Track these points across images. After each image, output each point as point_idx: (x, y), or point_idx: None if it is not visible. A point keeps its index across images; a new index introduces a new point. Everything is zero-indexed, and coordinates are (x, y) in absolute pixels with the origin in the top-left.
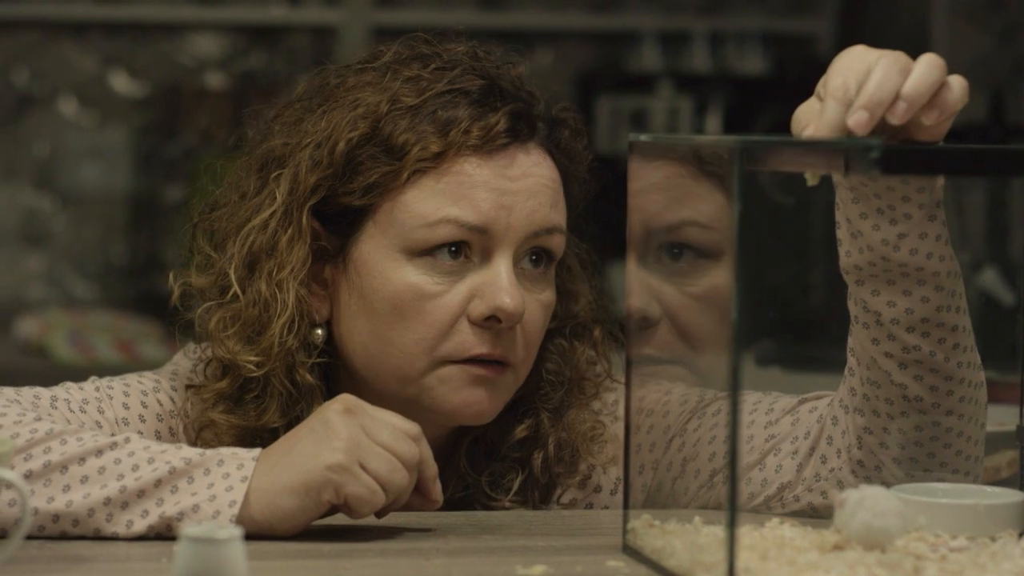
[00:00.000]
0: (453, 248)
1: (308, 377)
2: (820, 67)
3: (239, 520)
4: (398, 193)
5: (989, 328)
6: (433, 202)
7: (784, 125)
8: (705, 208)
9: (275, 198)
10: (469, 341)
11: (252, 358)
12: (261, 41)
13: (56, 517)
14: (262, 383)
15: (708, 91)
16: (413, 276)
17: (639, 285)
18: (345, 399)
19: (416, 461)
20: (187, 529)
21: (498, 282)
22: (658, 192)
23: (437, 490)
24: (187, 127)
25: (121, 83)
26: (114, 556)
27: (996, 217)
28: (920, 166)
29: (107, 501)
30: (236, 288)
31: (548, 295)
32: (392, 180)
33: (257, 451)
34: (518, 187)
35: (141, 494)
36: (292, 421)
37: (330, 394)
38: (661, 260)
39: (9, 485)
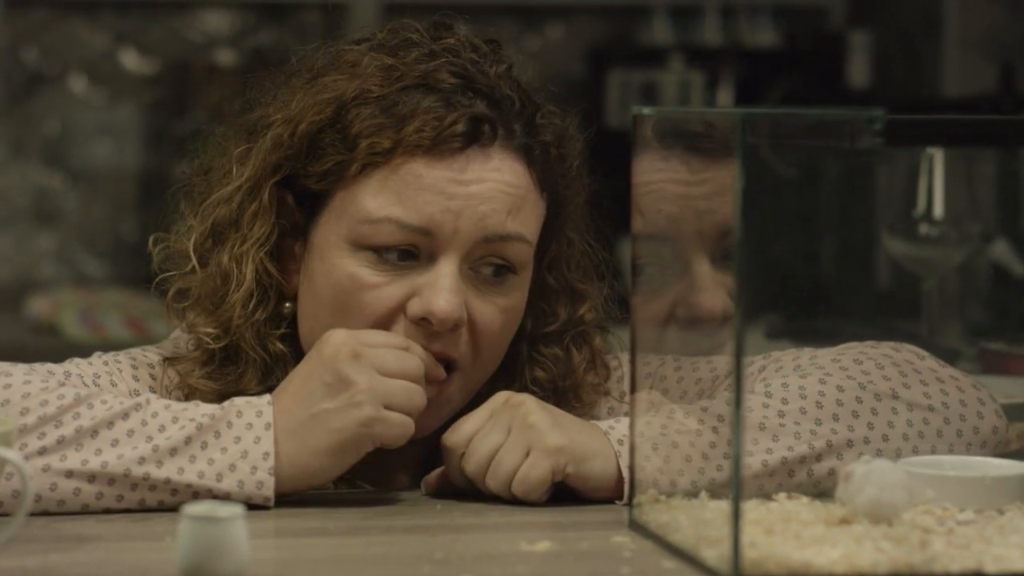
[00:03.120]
0: (400, 248)
1: (279, 345)
2: (831, 39)
3: (276, 473)
4: (350, 184)
5: (1000, 300)
6: (380, 199)
7: (796, 98)
8: None
9: (242, 172)
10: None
11: (210, 329)
12: (271, 17)
13: (92, 477)
14: (232, 352)
15: (719, 64)
16: (355, 267)
17: (718, 284)
18: (341, 342)
19: (422, 370)
20: (188, 508)
21: (437, 284)
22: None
23: (439, 372)
24: (197, 104)
25: (131, 60)
26: (118, 535)
27: (1007, 188)
28: (923, 137)
29: (141, 460)
30: (194, 261)
31: (509, 301)
32: (344, 170)
33: (268, 397)
34: (470, 191)
35: (173, 452)
36: (269, 388)
37: (298, 361)
38: (730, 259)
39: (13, 473)
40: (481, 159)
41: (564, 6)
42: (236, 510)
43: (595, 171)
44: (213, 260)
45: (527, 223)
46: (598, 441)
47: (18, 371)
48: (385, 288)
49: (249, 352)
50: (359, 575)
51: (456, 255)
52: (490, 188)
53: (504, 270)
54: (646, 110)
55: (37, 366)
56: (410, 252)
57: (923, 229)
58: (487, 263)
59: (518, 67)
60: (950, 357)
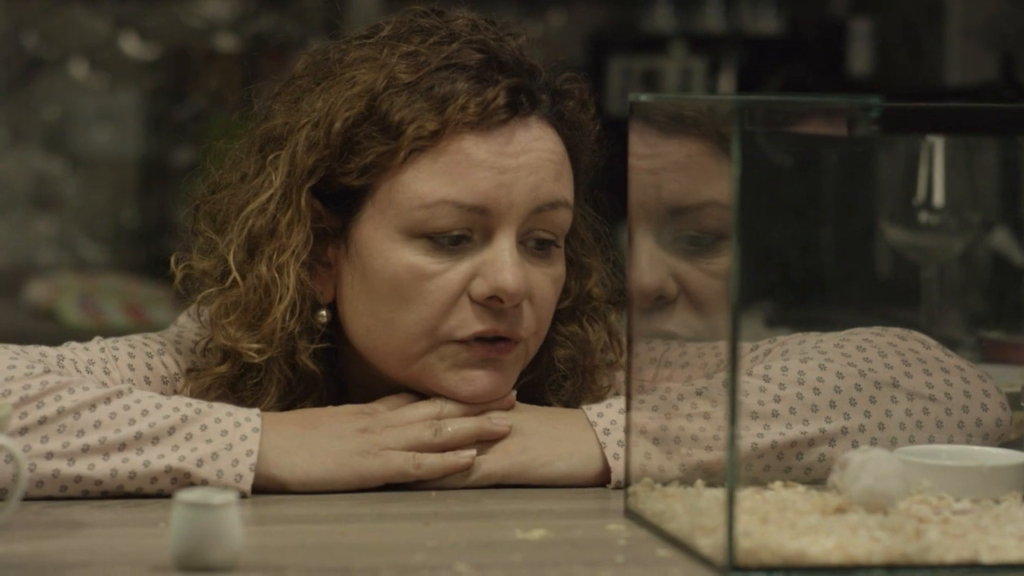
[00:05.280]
0: (454, 233)
1: (309, 364)
2: (833, 27)
3: (256, 469)
4: (396, 173)
5: (1000, 289)
6: (431, 182)
7: (798, 85)
8: (726, 188)
9: (273, 180)
10: (470, 319)
11: (253, 345)
12: (271, 3)
13: (72, 460)
14: (262, 369)
15: (721, 51)
16: (412, 257)
17: (654, 263)
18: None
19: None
20: (182, 494)
21: (499, 261)
22: (680, 171)
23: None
24: (198, 89)
25: (132, 46)
26: (112, 521)
27: (1007, 176)
28: (920, 125)
29: (122, 445)
30: (235, 274)
31: (556, 270)
32: (389, 160)
33: (256, 410)
34: (519, 163)
35: (156, 440)
36: (288, 407)
37: (335, 378)
38: (679, 239)
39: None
40: (523, 130)
41: None
42: (230, 497)
43: (598, 142)
44: (251, 273)
45: (568, 188)
46: (570, 442)
47: (6, 353)
48: (446, 274)
49: (275, 371)
50: (353, 562)
51: (511, 229)
52: (536, 158)
53: (547, 243)
54: (643, 96)
55: (30, 348)
56: (464, 235)
57: (923, 217)
58: (532, 237)
59: (527, 37)
60: (949, 346)
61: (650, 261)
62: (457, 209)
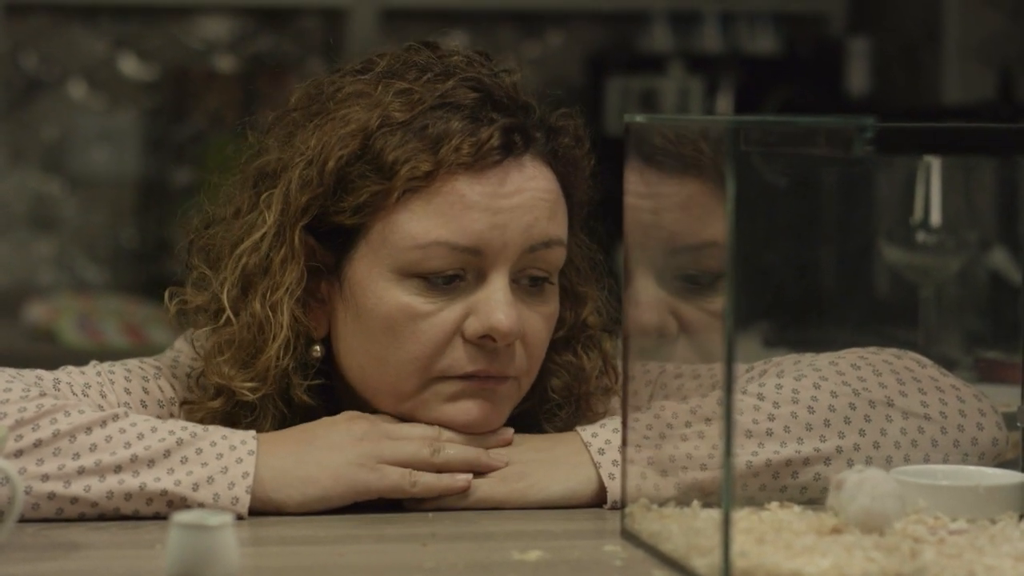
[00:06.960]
0: (448, 273)
1: (304, 398)
2: (831, 47)
3: (252, 492)
4: (389, 213)
5: (998, 308)
6: (425, 223)
7: (796, 104)
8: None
9: (267, 218)
10: (462, 359)
11: (247, 383)
12: (270, 23)
13: (68, 482)
14: (256, 406)
15: (719, 71)
16: (405, 296)
17: (654, 301)
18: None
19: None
20: (178, 516)
21: (493, 301)
22: (680, 211)
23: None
24: (196, 110)
25: (130, 66)
26: (108, 543)
27: (1005, 195)
28: (914, 145)
29: (118, 468)
30: (229, 312)
31: (549, 308)
32: (383, 200)
33: (252, 432)
34: (513, 204)
35: (151, 463)
36: None
37: (329, 413)
38: (679, 278)
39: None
40: (517, 170)
41: (564, 13)
42: (226, 518)
43: (593, 176)
44: (245, 311)
45: (562, 226)
46: (566, 466)
47: (1, 376)
48: (439, 314)
49: (270, 406)
50: None
51: (504, 269)
52: (530, 197)
53: (540, 280)
54: (639, 117)
55: (26, 372)
56: (457, 275)
57: (920, 237)
58: (526, 275)
59: (522, 74)
60: (947, 365)
61: (650, 299)
62: (451, 250)
